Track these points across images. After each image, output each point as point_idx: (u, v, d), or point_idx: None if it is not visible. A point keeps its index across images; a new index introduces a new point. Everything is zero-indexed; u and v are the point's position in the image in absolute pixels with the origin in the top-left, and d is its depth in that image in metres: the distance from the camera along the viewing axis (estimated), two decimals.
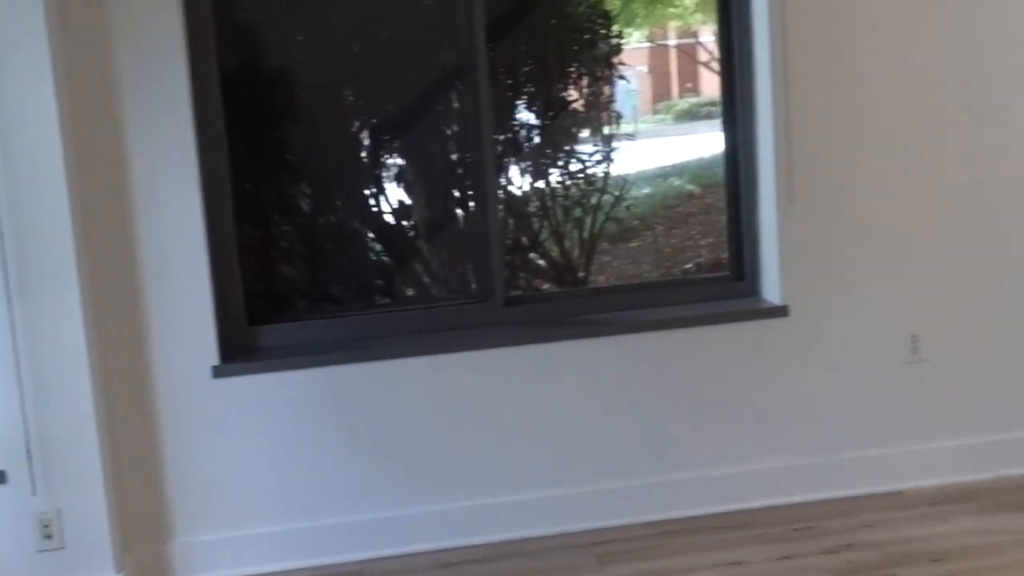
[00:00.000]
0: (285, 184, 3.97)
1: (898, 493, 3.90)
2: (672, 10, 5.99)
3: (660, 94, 6.11)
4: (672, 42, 7.03)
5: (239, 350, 3.63)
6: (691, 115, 7.60)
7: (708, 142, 5.28)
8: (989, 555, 3.42)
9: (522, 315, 3.83)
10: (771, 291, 3.87)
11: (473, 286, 3.99)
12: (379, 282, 4.16)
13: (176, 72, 3.40)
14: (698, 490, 3.81)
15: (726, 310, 3.83)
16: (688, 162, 6.70)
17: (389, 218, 4.08)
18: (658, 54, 6.06)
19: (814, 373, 3.85)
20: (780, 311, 3.81)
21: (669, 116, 6.28)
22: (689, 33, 7.21)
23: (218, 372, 3.53)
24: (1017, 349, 3.96)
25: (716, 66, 4.17)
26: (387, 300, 4.12)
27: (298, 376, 3.59)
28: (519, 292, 4.03)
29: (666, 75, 6.17)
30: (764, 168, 3.85)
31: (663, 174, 5.51)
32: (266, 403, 3.59)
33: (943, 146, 3.85)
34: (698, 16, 6.65)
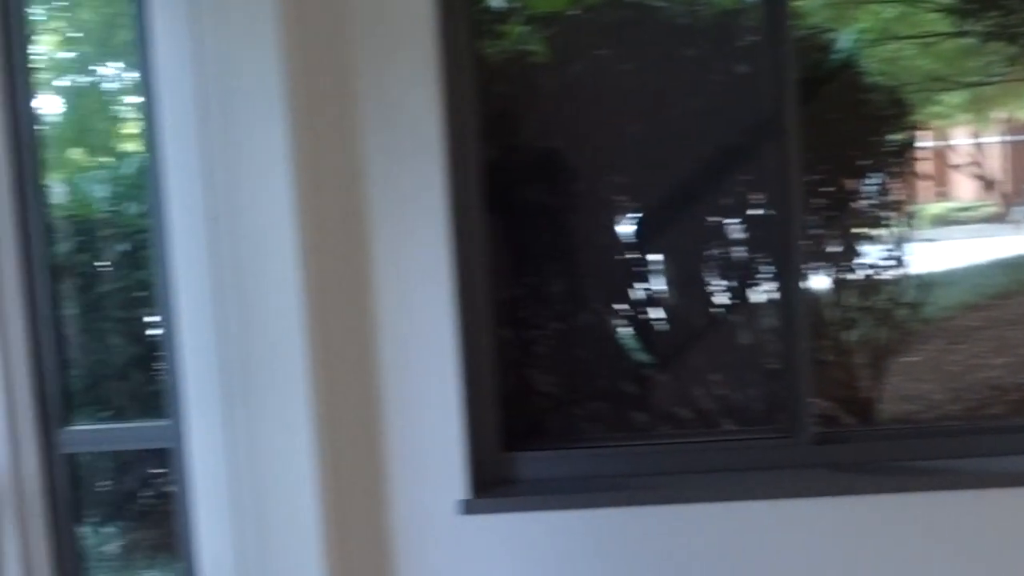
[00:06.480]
0: (545, 282, 3.38)
1: None
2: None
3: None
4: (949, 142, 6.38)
5: (492, 481, 3.01)
6: (944, 221, 6.92)
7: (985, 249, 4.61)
8: None
9: (836, 456, 3.08)
10: None
11: (769, 415, 3.29)
12: (644, 406, 3.50)
13: (430, 156, 2.89)
14: None
15: None
16: (959, 269, 5.94)
17: (659, 326, 3.44)
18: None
19: None
20: None
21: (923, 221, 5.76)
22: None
23: (469, 508, 2.91)
24: None
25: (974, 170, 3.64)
26: (658, 426, 3.44)
27: (563, 517, 2.93)
28: (822, 425, 3.24)
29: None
30: None
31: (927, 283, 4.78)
32: (522, 547, 2.93)
33: None
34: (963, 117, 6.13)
